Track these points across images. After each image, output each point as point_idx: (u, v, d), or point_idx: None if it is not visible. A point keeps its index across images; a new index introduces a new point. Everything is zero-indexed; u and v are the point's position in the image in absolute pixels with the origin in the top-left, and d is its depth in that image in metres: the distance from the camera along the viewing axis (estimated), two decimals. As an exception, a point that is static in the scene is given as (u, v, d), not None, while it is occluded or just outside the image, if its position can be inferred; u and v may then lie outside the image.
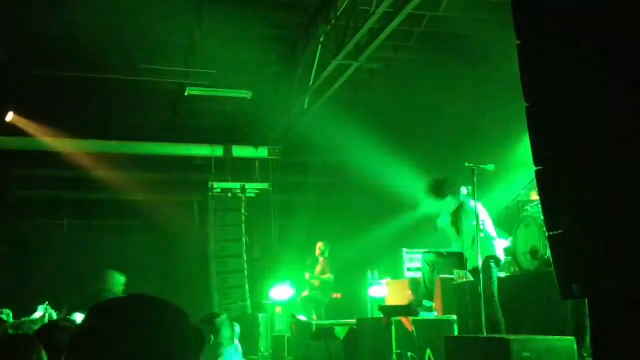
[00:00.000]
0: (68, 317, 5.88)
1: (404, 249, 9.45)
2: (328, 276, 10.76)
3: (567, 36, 2.51)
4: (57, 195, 12.64)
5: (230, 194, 12.90)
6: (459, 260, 6.48)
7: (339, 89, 9.98)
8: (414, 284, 8.06)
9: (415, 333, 6.08)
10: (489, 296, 5.92)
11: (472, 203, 6.35)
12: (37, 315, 6.36)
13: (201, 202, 13.24)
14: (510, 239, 6.96)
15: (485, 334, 5.56)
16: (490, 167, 6.17)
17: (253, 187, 13.07)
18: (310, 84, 10.17)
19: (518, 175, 7.91)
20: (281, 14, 9.62)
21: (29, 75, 10.42)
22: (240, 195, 12.93)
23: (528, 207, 7.12)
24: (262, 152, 13.16)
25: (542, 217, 2.72)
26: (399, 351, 5.98)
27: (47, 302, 6.27)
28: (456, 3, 8.79)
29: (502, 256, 6.35)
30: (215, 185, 12.82)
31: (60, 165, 11.90)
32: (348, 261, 11.26)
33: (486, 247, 6.12)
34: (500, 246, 6.40)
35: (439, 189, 6.42)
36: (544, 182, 2.56)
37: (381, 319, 6.47)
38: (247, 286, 12.51)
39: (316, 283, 10.76)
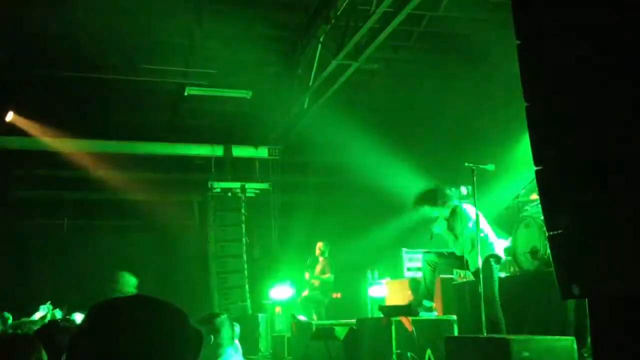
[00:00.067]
0: (68, 317, 5.88)
1: (404, 249, 9.45)
2: (328, 276, 10.76)
3: (567, 36, 2.51)
4: (57, 195, 12.64)
5: (230, 194, 12.91)
6: (459, 260, 6.49)
7: (339, 89, 9.99)
8: (414, 283, 8.06)
9: (415, 333, 6.08)
10: (490, 296, 5.92)
11: (464, 206, 6.38)
12: (38, 315, 6.37)
13: (201, 202, 13.25)
14: (510, 238, 6.97)
15: (485, 334, 5.56)
16: (490, 167, 6.17)
17: (253, 187, 13.07)
18: (310, 83, 10.17)
19: (518, 175, 7.91)
20: (281, 14, 9.62)
21: (29, 75, 10.42)
22: (240, 195, 12.93)
23: (528, 207, 7.11)
24: (262, 152, 13.17)
25: (542, 217, 2.72)
26: (398, 351, 5.98)
27: (49, 302, 6.28)
28: (456, 3, 8.80)
29: (501, 254, 6.35)
30: (215, 185, 12.82)
31: (60, 165, 11.91)
32: (348, 261, 11.26)
33: (485, 247, 6.12)
34: (499, 245, 6.40)
35: (430, 199, 6.42)
36: (544, 182, 2.56)
37: (381, 319, 6.47)
38: (247, 286, 12.51)
39: (316, 283, 10.76)
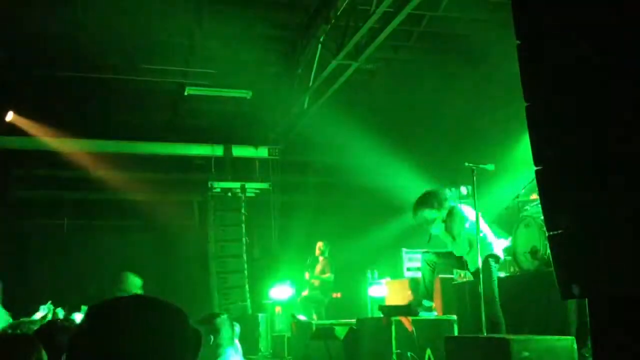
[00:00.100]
0: (68, 317, 5.88)
1: (404, 249, 9.46)
2: (328, 275, 10.76)
3: (567, 36, 2.51)
4: (57, 195, 12.64)
5: (230, 194, 12.90)
6: (458, 260, 6.49)
7: (339, 89, 9.99)
8: (414, 283, 8.06)
9: (415, 333, 6.08)
10: (489, 296, 5.92)
11: (461, 207, 6.39)
12: (38, 315, 6.36)
13: (201, 202, 13.25)
14: (510, 238, 6.97)
15: (485, 334, 5.56)
16: (490, 167, 6.18)
17: (253, 187, 13.07)
18: (310, 83, 10.17)
19: (518, 175, 7.91)
20: (281, 14, 9.62)
21: (29, 75, 10.42)
22: (240, 195, 12.93)
23: (528, 207, 7.12)
24: (262, 152, 13.17)
25: (542, 217, 2.72)
26: (398, 351, 5.98)
27: (50, 302, 6.28)
28: (456, 3, 8.80)
29: (500, 253, 6.35)
30: (215, 185, 12.82)
31: (60, 165, 11.91)
32: (348, 261, 11.27)
33: (483, 247, 6.12)
34: (497, 244, 6.40)
35: (427, 202, 6.41)
36: (544, 182, 2.56)
37: (381, 319, 6.47)
38: (247, 286, 12.51)
39: (316, 283, 10.76)
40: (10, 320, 5.67)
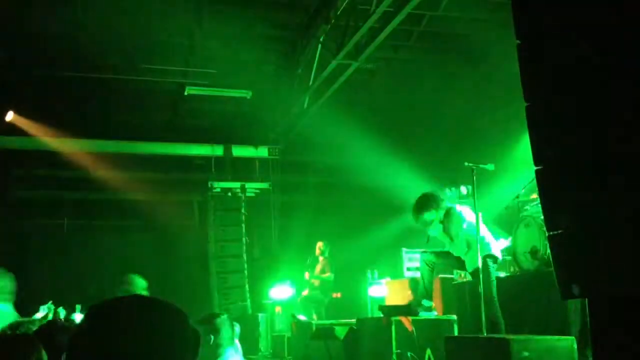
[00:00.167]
0: (68, 317, 5.88)
1: (404, 249, 9.45)
2: (328, 275, 10.76)
3: (567, 36, 2.51)
4: (57, 195, 12.64)
5: (230, 194, 12.90)
6: (457, 260, 6.51)
7: (339, 88, 9.98)
8: (414, 283, 8.06)
9: (415, 333, 6.08)
10: (488, 296, 5.92)
11: (458, 207, 6.40)
12: (38, 315, 6.35)
13: (201, 202, 13.24)
14: (510, 238, 6.97)
15: (485, 334, 5.56)
16: (490, 166, 6.18)
17: (253, 187, 13.07)
18: (310, 83, 10.17)
19: (518, 175, 7.91)
20: (281, 14, 9.62)
21: (29, 75, 10.42)
22: (240, 194, 12.92)
23: (528, 207, 7.12)
24: (262, 152, 13.17)
25: (542, 217, 2.72)
26: (398, 351, 5.98)
27: (50, 302, 6.27)
28: (456, 3, 8.80)
29: (498, 253, 6.35)
30: (215, 185, 12.81)
31: (60, 165, 11.91)
32: (348, 261, 11.26)
33: (481, 247, 6.12)
34: (495, 245, 6.40)
35: (424, 205, 6.42)
36: (544, 182, 2.56)
37: (381, 319, 6.47)
38: (247, 286, 12.51)
39: (316, 282, 10.76)
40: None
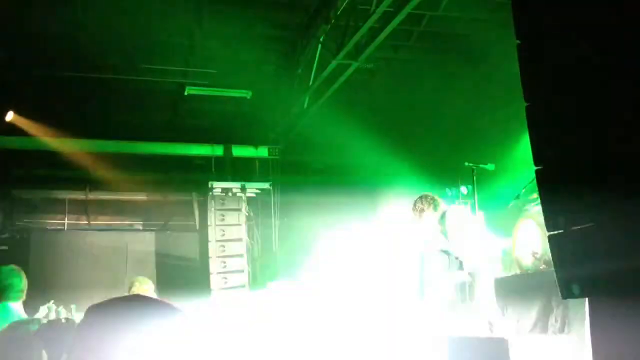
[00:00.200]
0: (68, 317, 5.88)
1: (404, 249, 9.43)
2: (328, 276, 10.76)
3: (567, 36, 2.51)
4: (57, 195, 12.63)
5: (230, 194, 12.90)
6: (455, 260, 6.52)
7: (339, 88, 9.98)
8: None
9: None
10: (486, 296, 5.92)
11: (455, 208, 6.40)
12: (39, 315, 6.36)
13: (201, 201, 13.24)
14: (510, 238, 6.97)
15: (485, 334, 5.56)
16: (490, 166, 6.19)
17: (253, 187, 13.06)
18: (310, 83, 10.17)
19: (518, 175, 7.92)
20: (281, 13, 9.62)
21: (29, 75, 10.42)
22: (240, 194, 12.92)
23: (528, 207, 7.12)
24: (262, 152, 13.16)
25: (542, 217, 2.72)
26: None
27: (52, 301, 6.27)
28: (456, 3, 8.80)
29: (495, 254, 6.36)
30: (215, 184, 12.81)
31: (60, 165, 11.90)
32: (348, 261, 11.26)
33: (479, 247, 6.13)
34: (493, 245, 6.41)
35: (420, 207, 6.42)
36: (544, 182, 2.56)
37: (381, 319, 6.48)
38: (247, 286, 12.50)
39: (316, 283, 10.77)
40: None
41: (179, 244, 13.08)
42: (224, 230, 12.66)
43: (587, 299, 2.67)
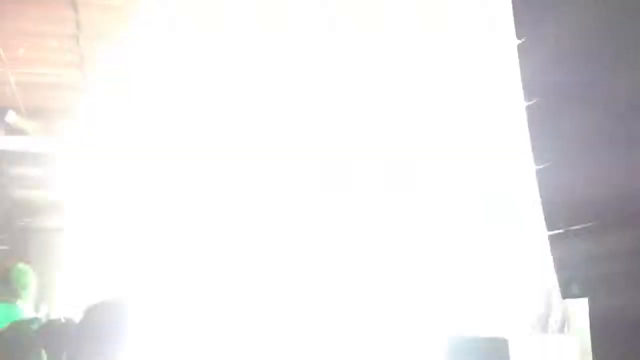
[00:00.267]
0: (67, 317, 5.88)
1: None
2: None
3: (567, 36, 2.51)
4: (57, 195, 12.61)
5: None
6: None
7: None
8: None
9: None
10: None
11: None
12: (39, 315, 6.36)
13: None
14: (510, 238, 6.95)
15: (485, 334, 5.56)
16: (491, 166, 6.17)
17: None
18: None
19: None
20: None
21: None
22: (240, 195, 12.91)
23: (528, 207, 7.10)
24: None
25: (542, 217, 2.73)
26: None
27: (52, 301, 6.27)
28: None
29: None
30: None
31: (60, 165, 11.88)
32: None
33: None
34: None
35: None
36: (543, 182, 2.56)
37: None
38: (247, 286, 12.50)
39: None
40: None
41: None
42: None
43: (587, 299, 2.67)
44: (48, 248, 12.19)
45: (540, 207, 2.65)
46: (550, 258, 2.58)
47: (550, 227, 2.54)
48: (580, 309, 5.51)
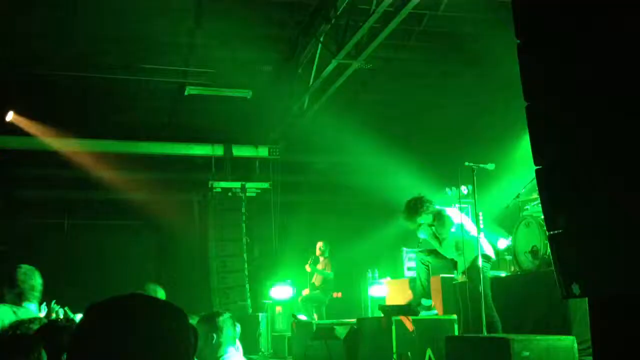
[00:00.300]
0: (68, 317, 5.88)
1: (404, 248, 9.46)
2: (329, 272, 10.72)
3: (567, 36, 2.51)
4: (57, 195, 12.63)
5: (230, 194, 12.91)
6: (451, 261, 6.55)
7: (339, 88, 9.97)
8: (413, 283, 8.07)
9: (415, 333, 6.09)
10: (478, 296, 5.91)
11: (446, 210, 6.42)
12: (39, 315, 6.35)
13: (201, 201, 13.24)
14: (511, 238, 6.97)
15: (485, 334, 5.56)
16: (491, 166, 6.19)
17: (253, 187, 13.07)
18: (310, 83, 10.16)
19: (518, 175, 7.92)
20: (281, 13, 9.61)
21: (29, 75, 10.42)
22: (240, 194, 12.92)
23: (528, 207, 7.12)
24: (262, 152, 13.16)
25: (543, 217, 2.73)
26: (399, 351, 5.98)
27: (53, 301, 6.27)
28: (456, 2, 8.78)
29: (491, 253, 6.36)
30: (215, 184, 12.82)
31: (60, 165, 11.90)
32: (348, 261, 11.26)
33: (471, 247, 6.13)
34: (487, 244, 6.41)
35: (412, 209, 6.44)
36: (544, 182, 2.56)
37: (381, 319, 6.48)
38: (247, 285, 12.51)
39: (317, 282, 10.75)
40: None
41: (179, 243, 13.08)
42: (223, 230, 12.68)
43: (587, 299, 2.67)
44: (49, 248, 12.21)
45: (541, 207, 2.65)
46: (551, 258, 2.58)
47: (550, 227, 2.54)
48: (580, 308, 5.52)
